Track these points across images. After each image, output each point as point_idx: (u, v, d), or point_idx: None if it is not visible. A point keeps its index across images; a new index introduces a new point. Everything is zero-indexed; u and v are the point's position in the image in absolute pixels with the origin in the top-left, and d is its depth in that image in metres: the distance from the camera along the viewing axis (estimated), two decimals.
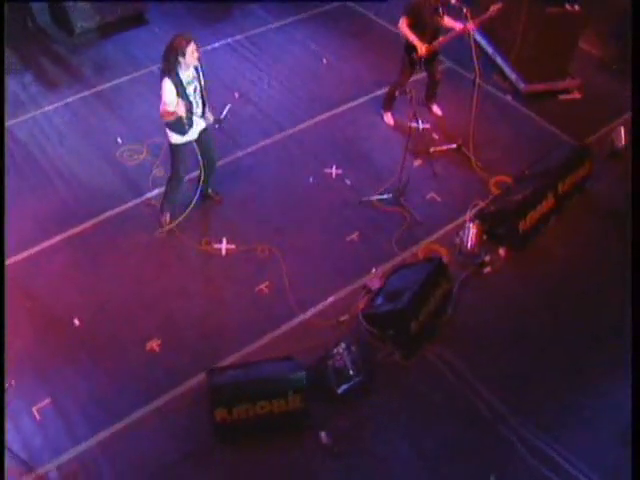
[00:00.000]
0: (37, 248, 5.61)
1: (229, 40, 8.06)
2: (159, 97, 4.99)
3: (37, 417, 4.51)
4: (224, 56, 7.82)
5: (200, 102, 5.25)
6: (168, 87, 4.93)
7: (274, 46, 7.98)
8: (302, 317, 5.19)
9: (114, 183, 6.18)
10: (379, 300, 5.08)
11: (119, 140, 6.57)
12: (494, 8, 5.95)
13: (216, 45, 7.97)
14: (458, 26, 6.03)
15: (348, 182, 6.30)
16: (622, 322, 4.98)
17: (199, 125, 5.37)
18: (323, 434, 4.53)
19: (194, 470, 4.33)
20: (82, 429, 4.46)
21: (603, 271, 5.63)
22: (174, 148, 5.40)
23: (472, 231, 5.60)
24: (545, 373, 4.93)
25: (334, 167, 6.41)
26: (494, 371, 4.93)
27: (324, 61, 7.73)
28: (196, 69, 5.12)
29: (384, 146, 6.69)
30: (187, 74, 5.05)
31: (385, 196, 6.06)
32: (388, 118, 6.94)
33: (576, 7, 6.77)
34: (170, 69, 4.92)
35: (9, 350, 4.38)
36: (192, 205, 5.73)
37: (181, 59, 4.90)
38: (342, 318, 5.17)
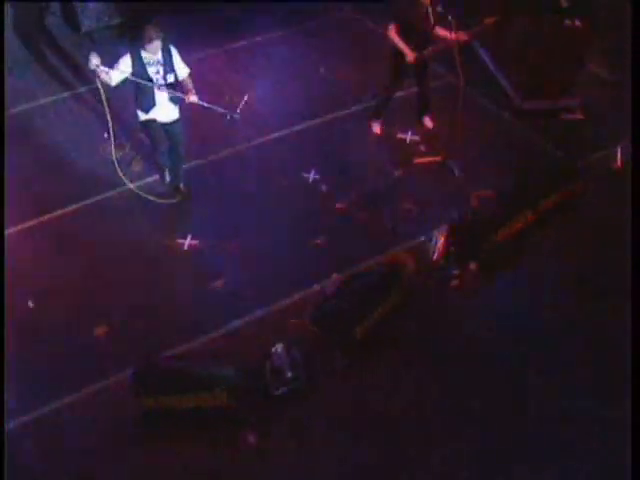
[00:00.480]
0: (13, 230, 5.81)
1: (226, 47, 8.22)
2: None
3: None
4: (220, 63, 7.97)
5: (165, 87, 5.48)
6: (122, 58, 5.39)
7: (273, 55, 8.09)
8: (253, 317, 5.19)
9: (94, 175, 6.34)
10: (329, 304, 5.04)
11: (105, 135, 6.72)
12: (488, 21, 5.92)
13: (215, 51, 8.14)
14: (449, 36, 5.98)
15: (324, 188, 6.30)
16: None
17: (165, 110, 5.63)
18: (251, 434, 4.51)
19: (113, 462, 4.35)
20: (11, 407, 4.54)
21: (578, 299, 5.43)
22: (141, 125, 5.80)
23: (439, 242, 5.51)
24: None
25: (312, 172, 6.43)
26: (437, 388, 4.80)
27: (321, 70, 7.78)
28: (166, 56, 5.38)
29: (368, 156, 6.68)
30: (149, 55, 5.33)
31: (359, 203, 6.05)
32: (376, 128, 6.94)
33: (577, 23, 6.65)
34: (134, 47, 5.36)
35: None
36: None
37: (146, 45, 5.26)
38: (293, 320, 5.15)
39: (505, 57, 7.44)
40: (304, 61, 8.00)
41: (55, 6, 8.33)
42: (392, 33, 6.12)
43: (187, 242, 5.77)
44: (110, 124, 5.59)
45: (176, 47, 5.60)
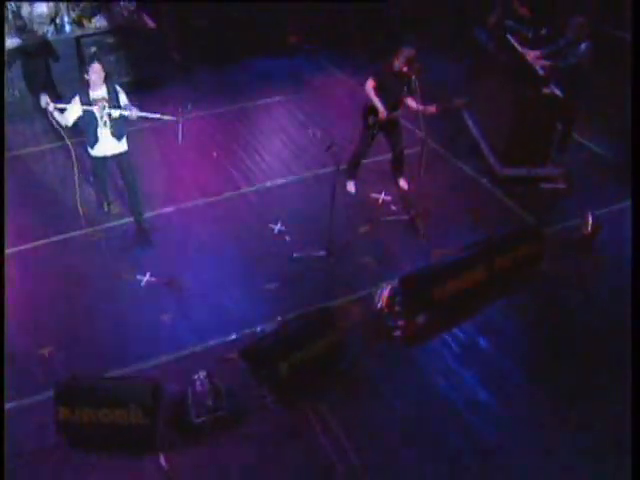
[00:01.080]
0: None
1: (222, 110, 8.84)
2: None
3: None
4: (215, 122, 8.58)
5: (109, 124, 5.99)
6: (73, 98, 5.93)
7: (266, 117, 8.64)
8: (187, 351, 5.41)
9: (73, 212, 6.83)
10: (261, 342, 5.23)
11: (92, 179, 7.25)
12: (458, 102, 6.34)
13: (218, 111, 8.78)
14: (420, 107, 6.37)
15: (288, 238, 6.61)
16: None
17: (108, 147, 6.14)
18: (162, 458, 4.66)
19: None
20: None
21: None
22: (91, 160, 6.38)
23: (385, 292, 5.69)
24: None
25: (279, 224, 6.77)
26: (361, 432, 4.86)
27: (310, 131, 8.22)
28: (110, 91, 5.96)
29: (338, 212, 6.98)
30: (96, 92, 5.87)
31: (318, 254, 6.31)
32: (350, 186, 7.29)
33: (556, 92, 6.93)
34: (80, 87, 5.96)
35: None
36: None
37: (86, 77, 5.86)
38: (229, 356, 5.35)
39: (488, 123, 7.76)
40: (293, 123, 8.52)
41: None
42: (369, 87, 6.60)
43: (145, 279, 6.11)
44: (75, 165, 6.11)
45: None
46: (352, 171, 7.23)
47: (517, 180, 7.40)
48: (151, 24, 9.88)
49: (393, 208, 7.05)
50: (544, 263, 6.24)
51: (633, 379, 3.95)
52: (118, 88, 6.16)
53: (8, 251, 6.35)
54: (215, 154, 7.87)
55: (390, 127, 6.77)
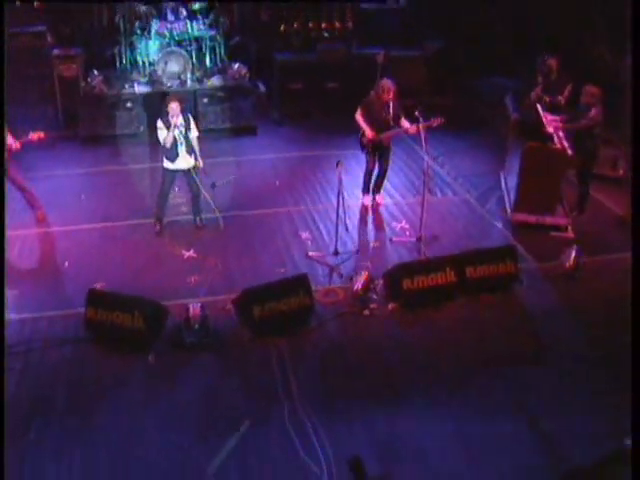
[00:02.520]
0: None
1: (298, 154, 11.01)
2: None
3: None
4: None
5: (185, 144, 8.16)
6: (158, 124, 8.18)
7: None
8: (204, 299, 7.23)
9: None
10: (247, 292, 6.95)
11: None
12: (436, 121, 8.06)
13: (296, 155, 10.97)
14: (410, 129, 8.32)
15: (308, 241, 8.41)
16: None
17: (184, 162, 8.29)
18: (151, 356, 6.48)
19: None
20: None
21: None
22: (162, 171, 8.41)
23: (362, 278, 7.26)
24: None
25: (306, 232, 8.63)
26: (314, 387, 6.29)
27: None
28: (185, 119, 8.15)
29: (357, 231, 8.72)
30: (175, 121, 8.09)
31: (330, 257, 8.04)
32: (365, 200, 9.15)
33: (565, 145, 8.30)
34: (165, 115, 8.18)
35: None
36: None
37: (168, 107, 8.13)
38: (227, 307, 7.11)
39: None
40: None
41: None
42: (357, 115, 8.68)
43: (187, 254, 8.15)
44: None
45: None
46: (366, 187, 9.15)
47: (528, 226, 8.70)
48: (262, 88, 12.54)
49: (405, 229, 8.65)
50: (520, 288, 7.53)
51: (633, 379, 4.53)
52: (190, 118, 8.43)
53: (97, 225, 8.74)
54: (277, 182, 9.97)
55: (381, 147, 8.76)
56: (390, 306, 7.22)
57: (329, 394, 6.12)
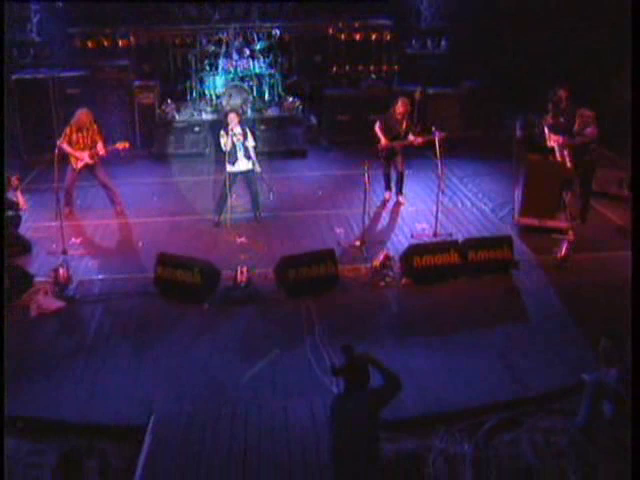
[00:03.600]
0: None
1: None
2: None
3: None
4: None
5: (243, 150, 10.24)
6: (221, 133, 10.29)
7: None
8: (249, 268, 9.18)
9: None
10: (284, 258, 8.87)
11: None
12: (437, 136, 9.97)
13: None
14: (409, 140, 10.30)
15: (341, 234, 10.31)
16: None
17: (242, 166, 10.34)
18: (206, 305, 8.44)
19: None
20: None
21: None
22: (225, 174, 10.48)
23: (381, 256, 9.10)
24: None
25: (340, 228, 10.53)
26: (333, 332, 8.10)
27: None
28: (244, 130, 10.26)
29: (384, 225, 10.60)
30: (236, 130, 10.21)
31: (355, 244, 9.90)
32: (387, 195, 11.20)
33: (564, 156, 10.05)
34: (225, 125, 10.31)
35: None
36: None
37: (227, 120, 10.25)
38: (269, 275, 9.03)
39: None
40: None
41: None
42: (376, 127, 10.77)
43: (240, 240, 10.15)
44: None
45: None
46: (386, 185, 11.22)
47: (532, 229, 10.38)
48: (313, 120, 14.72)
49: (424, 228, 10.46)
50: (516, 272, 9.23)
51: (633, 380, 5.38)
52: (248, 132, 10.57)
53: (166, 219, 10.88)
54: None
55: (393, 153, 10.80)
56: (403, 280, 9.01)
57: (345, 336, 7.88)
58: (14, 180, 9.50)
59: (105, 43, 15.18)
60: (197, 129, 13.80)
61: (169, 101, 14.05)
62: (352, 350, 5.53)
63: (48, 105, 13.83)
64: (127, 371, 7.35)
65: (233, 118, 10.38)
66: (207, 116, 14.07)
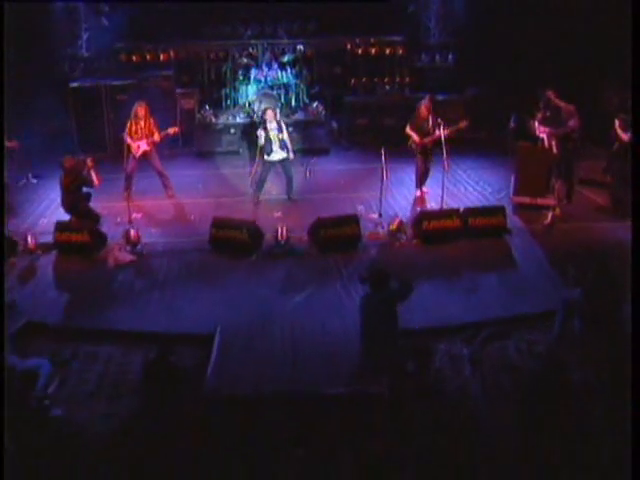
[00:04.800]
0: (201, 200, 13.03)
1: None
2: None
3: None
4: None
5: (278, 142, 12.42)
6: (259, 131, 12.43)
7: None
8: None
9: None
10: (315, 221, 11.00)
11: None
12: (462, 124, 12.06)
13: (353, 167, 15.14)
14: (437, 134, 12.24)
15: (362, 210, 12.41)
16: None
17: (278, 155, 12.51)
18: (254, 256, 10.55)
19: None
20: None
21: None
22: (264, 163, 12.64)
23: (396, 222, 11.20)
24: None
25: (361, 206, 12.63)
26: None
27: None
28: (279, 124, 12.43)
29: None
30: (272, 125, 12.38)
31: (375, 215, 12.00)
32: (417, 192, 13.01)
33: (551, 144, 12.16)
34: (262, 122, 12.45)
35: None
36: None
37: (265, 116, 12.40)
38: (303, 238, 11.13)
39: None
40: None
41: None
42: (408, 127, 12.63)
43: (277, 214, 12.27)
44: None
45: None
46: (418, 183, 13.01)
47: (525, 206, 12.46)
48: (334, 125, 16.95)
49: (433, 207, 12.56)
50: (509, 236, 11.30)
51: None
52: (283, 125, 12.78)
53: (212, 200, 13.02)
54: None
55: (425, 150, 12.62)
56: (414, 242, 11.10)
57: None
58: (89, 161, 11.64)
59: (148, 57, 17.49)
60: (232, 131, 16.05)
61: (207, 107, 16.31)
62: (374, 268, 7.68)
63: (100, 109, 16.11)
64: (194, 298, 9.45)
65: (270, 114, 12.58)
66: (241, 120, 16.30)
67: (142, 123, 12.85)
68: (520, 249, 10.99)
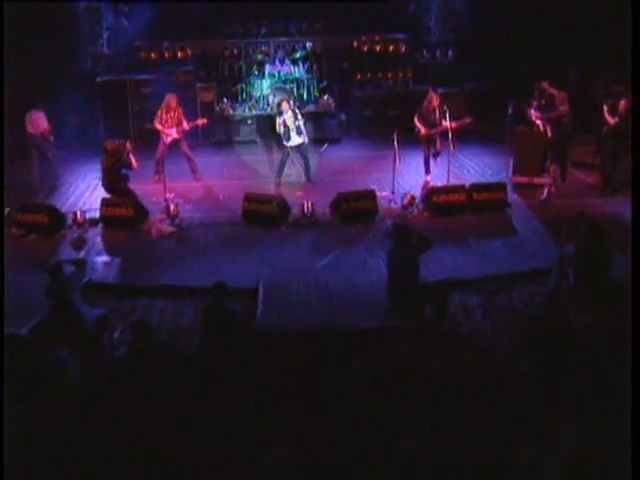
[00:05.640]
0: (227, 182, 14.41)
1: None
2: None
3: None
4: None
5: (295, 129, 13.84)
6: (277, 121, 13.88)
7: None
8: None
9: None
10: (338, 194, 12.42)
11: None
12: (467, 120, 13.52)
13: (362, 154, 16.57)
14: (443, 126, 13.66)
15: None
16: None
17: (296, 140, 13.93)
18: (284, 227, 11.95)
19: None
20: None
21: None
22: (284, 148, 14.09)
23: (409, 196, 12.64)
24: None
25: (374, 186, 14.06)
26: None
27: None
28: (294, 112, 13.87)
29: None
30: (287, 114, 13.82)
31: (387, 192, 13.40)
32: (428, 177, 14.36)
33: (546, 128, 13.62)
34: (279, 112, 13.90)
35: None
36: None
37: (281, 107, 13.86)
38: (325, 212, 12.54)
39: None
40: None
41: None
42: (415, 118, 13.97)
43: (298, 194, 13.67)
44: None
45: None
46: (427, 169, 14.36)
47: (523, 185, 13.91)
48: (343, 117, 18.39)
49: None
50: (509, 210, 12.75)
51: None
52: (298, 113, 14.20)
53: (236, 182, 14.42)
54: None
55: (430, 139, 14.00)
56: (425, 214, 12.53)
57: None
58: (128, 145, 13.00)
59: (166, 54, 18.86)
60: (249, 122, 17.47)
61: (225, 100, 17.72)
62: (398, 225, 9.11)
63: (125, 101, 17.48)
64: (234, 262, 10.84)
65: (285, 105, 14.00)
66: (256, 112, 17.71)
67: (172, 113, 14.21)
68: (519, 220, 12.43)
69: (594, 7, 16.49)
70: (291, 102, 14.49)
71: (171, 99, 14.30)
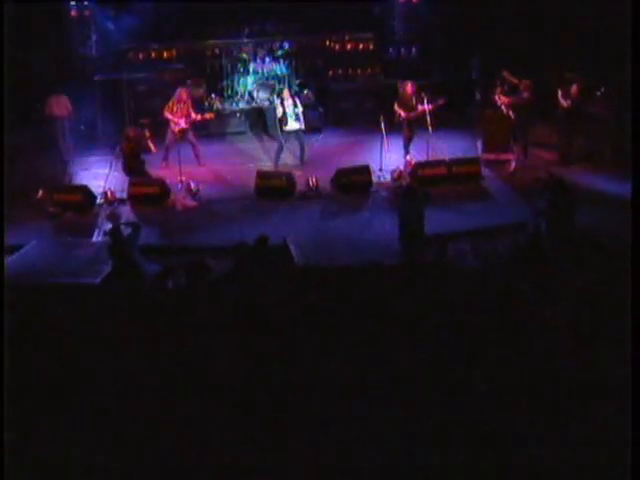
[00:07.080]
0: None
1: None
2: None
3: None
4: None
5: (294, 116, 16.01)
6: (277, 103, 16.13)
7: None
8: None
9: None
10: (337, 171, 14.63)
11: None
12: (440, 101, 15.89)
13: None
14: (422, 108, 16.01)
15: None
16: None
17: (293, 126, 16.10)
18: (291, 198, 14.08)
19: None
20: None
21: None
22: (283, 133, 16.24)
23: (397, 171, 14.92)
24: None
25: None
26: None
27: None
28: (294, 100, 16.06)
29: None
30: (288, 102, 16.02)
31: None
32: (408, 157, 16.60)
33: (509, 111, 16.09)
34: (280, 100, 16.12)
35: None
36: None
37: (282, 95, 16.09)
38: (326, 187, 14.71)
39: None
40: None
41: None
42: (396, 105, 16.27)
43: (297, 173, 15.81)
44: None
45: None
46: (406, 150, 16.63)
47: (492, 162, 16.34)
48: (320, 109, 20.58)
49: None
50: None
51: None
52: (297, 101, 16.35)
53: (238, 166, 16.47)
54: None
55: (410, 122, 16.30)
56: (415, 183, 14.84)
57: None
58: (147, 131, 14.96)
59: (153, 55, 20.77)
60: (238, 115, 19.52)
61: (213, 95, 19.74)
62: (408, 186, 11.42)
63: (121, 99, 19.33)
64: (256, 226, 12.77)
65: (286, 93, 16.17)
66: (243, 105, 19.81)
67: (182, 104, 16.15)
68: (494, 188, 14.90)
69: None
70: (292, 91, 16.62)
71: (183, 92, 16.29)
